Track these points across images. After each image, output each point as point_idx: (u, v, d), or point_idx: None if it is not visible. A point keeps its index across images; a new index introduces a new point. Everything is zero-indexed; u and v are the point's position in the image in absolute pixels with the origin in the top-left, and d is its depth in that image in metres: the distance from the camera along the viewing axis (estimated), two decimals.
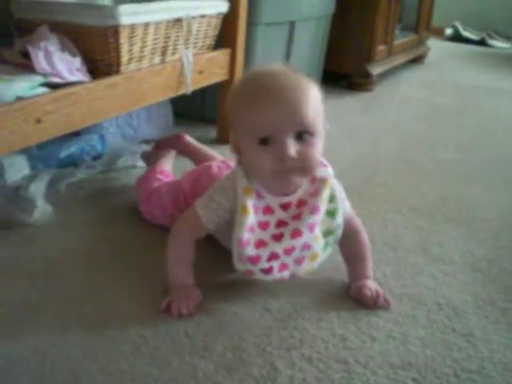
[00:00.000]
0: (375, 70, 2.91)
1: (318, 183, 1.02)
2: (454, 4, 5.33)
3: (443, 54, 4.33)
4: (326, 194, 1.02)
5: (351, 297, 1.09)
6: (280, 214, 1.00)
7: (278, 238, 0.99)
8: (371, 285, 1.09)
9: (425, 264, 1.25)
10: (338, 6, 2.66)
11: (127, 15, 1.35)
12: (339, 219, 1.04)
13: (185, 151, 1.55)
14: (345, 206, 1.07)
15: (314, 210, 1.00)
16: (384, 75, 3.15)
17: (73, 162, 1.61)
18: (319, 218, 1.01)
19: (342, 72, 2.91)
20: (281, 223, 1.00)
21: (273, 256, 0.99)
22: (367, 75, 2.87)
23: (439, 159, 1.98)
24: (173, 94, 1.62)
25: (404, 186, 1.71)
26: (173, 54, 1.61)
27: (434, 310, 1.08)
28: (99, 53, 1.41)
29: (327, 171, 1.03)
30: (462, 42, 5.19)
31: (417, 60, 3.79)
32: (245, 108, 0.94)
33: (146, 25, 1.45)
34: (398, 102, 2.79)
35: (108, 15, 1.34)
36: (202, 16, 1.67)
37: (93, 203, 1.44)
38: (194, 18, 1.61)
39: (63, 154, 1.57)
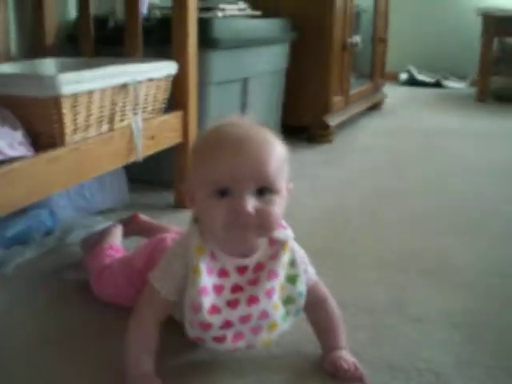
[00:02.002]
0: (333, 120, 2.89)
1: (277, 246, 0.96)
2: (407, 48, 5.36)
3: (399, 99, 4.35)
4: (285, 258, 0.96)
5: (326, 370, 1.01)
6: (236, 278, 0.94)
7: (232, 304, 0.93)
8: (347, 356, 1.01)
9: (401, 325, 1.18)
10: (292, 60, 2.64)
11: (69, 84, 1.28)
12: (301, 286, 0.98)
13: (140, 231, 1.48)
14: (308, 272, 1.01)
15: (271, 275, 0.94)
16: (342, 125, 3.12)
17: (21, 241, 1.51)
18: (278, 283, 0.95)
19: (301, 125, 2.88)
20: (236, 288, 0.94)
21: (227, 324, 0.92)
22: (325, 126, 2.84)
23: (405, 210, 1.93)
24: (123, 163, 1.55)
25: (373, 241, 1.65)
26: (121, 120, 1.54)
27: (415, 378, 1.00)
28: (42, 124, 1.33)
29: (286, 233, 0.97)
30: (418, 85, 5.23)
31: (374, 107, 3.78)
32: (204, 157, 0.90)
33: (90, 93, 1.38)
34: (358, 151, 2.76)
35: (48, 85, 1.27)
36: (150, 79, 1.61)
37: (43, 285, 1.35)
38: (140, 82, 1.56)
39: (9, 232, 1.48)
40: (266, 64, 2.35)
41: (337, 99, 2.92)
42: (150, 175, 2.08)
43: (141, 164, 1.75)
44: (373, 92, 3.69)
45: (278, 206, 0.90)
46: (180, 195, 1.89)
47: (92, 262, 1.30)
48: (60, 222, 1.63)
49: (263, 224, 0.89)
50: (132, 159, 1.57)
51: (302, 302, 0.98)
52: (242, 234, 0.88)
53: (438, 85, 5.25)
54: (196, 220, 0.95)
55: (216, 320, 0.91)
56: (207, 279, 0.91)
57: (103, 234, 1.41)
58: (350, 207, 1.96)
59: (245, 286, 0.94)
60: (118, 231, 1.44)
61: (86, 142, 1.39)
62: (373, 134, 3.14)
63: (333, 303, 1.06)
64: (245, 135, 0.89)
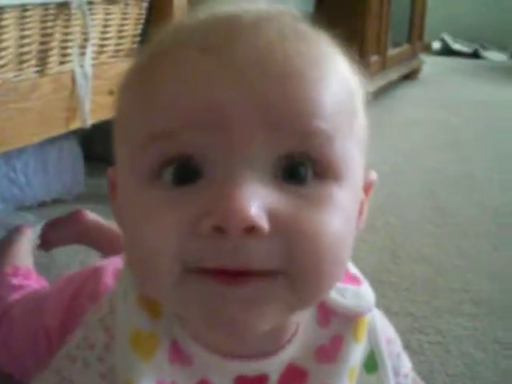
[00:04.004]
0: (369, 86, 2.35)
1: (339, 326, 0.45)
2: (440, 15, 4.97)
3: (437, 69, 3.95)
4: (356, 354, 0.45)
5: None
6: None
7: None
8: None
9: None
10: (318, 3, 2.25)
11: None
12: None
13: (84, 237, 1.01)
14: (402, 372, 0.51)
15: None
16: (376, 94, 2.69)
17: None
18: None
19: None
20: None
21: None
22: None
23: (490, 206, 1.45)
24: (58, 131, 1.06)
25: (455, 259, 1.14)
26: (60, 63, 1.03)
27: None
28: None
29: (361, 295, 0.46)
30: (453, 55, 4.85)
31: (410, 76, 3.38)
32: (147, 82, 0.38)
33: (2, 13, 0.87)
34: (404, 125, 2.34)
35: None
36: (111, 0, 1.09)
37: None
38: (93, 2, 1.05)
39: None
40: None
41: (373, 59, 2.53)
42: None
43: (102, 136, 1.32)
44: (411, 56, 3.27)
45: (341, 215, 0.37)
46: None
47: None
48: None
49: (295, 267, 0.35)
50: (75, 125, 1.08)
51: None
52: (228, 305, 0.36)
53: (475, 55, 4.84)
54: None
55: None
56: None
57: (5, 246, 0.93)
58: (407, 204, 1.47)
59: None
60: (27, 242, 0.97)
61: None
62: (417, 106, 2.73)
63: None
64: (254, 20, 0.37)
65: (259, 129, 0.34)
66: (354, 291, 0.45)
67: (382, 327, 0.48)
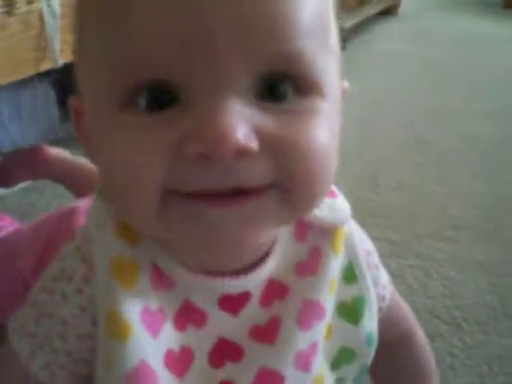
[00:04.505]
0: (346, 21, 2.39)
1: (316, 238, 0.45)
2: None
3: (417, 4, 3.91)
4: (335, 266, 0.45)
5: None
6: (221, 325, 0.43)
7: None
8: None
9: None
10: None
11: None
12: (369, 323, 0.47)
13: (47, 173, 0.95)
14: (379, 282, 0.50)
15: (309, 311, 0.44)
16: (354, 29, 2.65)
17: None
18: (323, 326, 0.44)
19: None
20: (224, 351, 0.43)
21: None
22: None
23: (469, 135, 1.43)
24: (29, 72, 1.02)
25: (434, 186, 1.14)
26: (28, 2, 0.98)
27: None
28: None
29: (337, 207, 0.45)
30: None
31: (389, 11, 3.29)
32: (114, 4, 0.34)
33: None
34: (381, 60, 2.30)
35: None
36: None
37: None
38: None
39: None
40: None
41: None
42: None
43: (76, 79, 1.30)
44: None
45: (326, 125, 0.36)
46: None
47: None
48: None
49: (288, 181, 0.35)
50: (46, 65, 1.04)
51: (370, 353, 0.48)
52: (222, 225, 0.35)
53: None
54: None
55: None
56: (147, 343, 0.40)
57: None
58: (387, 136, 1.44)
59: (244, 342, 0.43)
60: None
61: None
62: (395, 40, 2.68)
63: (423, 340, 0.57)
64: None
65: (240, 49, 0.32)
66: (329, 204, 0.44)
67: (359, 239, 0.47)
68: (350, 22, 2.44)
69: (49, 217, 0.71)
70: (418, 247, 0.89)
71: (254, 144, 0.32)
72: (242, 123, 0.32)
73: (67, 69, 1.03)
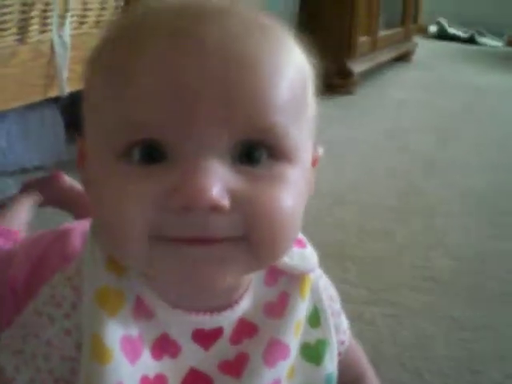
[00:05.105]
0: (357, 66, 2.45)
1: (285, 284, 0.50)
2: None
3: (430, 53, 3.96)
4: (301, 310, 0.49)
5: None
6: (193, 358, 0.46)
7: None
8: None
9: None
10: None
11: None
12: (330, 365, 0.51)
13: (61, 200, 1.01)
14: (340, 328, 0.55)
15: (274, 350, 0.48)
16: (367, 75, 2.70)
17: None
18: (287, 366, 0.48)
19: (318, 71, 2.40)
20: (197, 378, 0.46)
21: None
22: (347, 74, 2.40)
23: (464, 189, 1.46)
24: (36, 98, 1.07)
25: (419, 236, 1.17)
26: (41, 32, 1.04)
27: None
28: None
29: (306, 256, 0.50)
30: (448, 39, 4.84)
31: (403, 58, 3.36)
32: (116, 62, 0.41)
33: None
34: (390, 106, 2.34)
35: None
36: None
37: None
38: None
39: None
40: None
41: (363, 40, 2.51)
42: None
43: None
44: (403, 39, 3.27)
45: (292, 190, 0.41)
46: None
47: None
48: None
49: (254, 236, 0.40)
50: (53, 92, 1.09)
51: None
52: (198, 263, 0.40)
53: (471, 40, 4.83)
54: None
55: None
56: (125, 367, 0.44)
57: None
58: (381, 183, 1.48)
59: (214, 374, 0.47)
60: (26, 204, 0.97)
61: None
62: (405, 88, 2.73)
63: (376, 381, 0.61)
64: (219, 10, 0.41)
65: (221, 120, 0.38)
66: (299, 253, 0.49)
67: (324, 286, 0.52)
68: (363, 67, 2.50)
69: (45, 234, 0.76)
70: (394, 296, 0.92)
71: (225, 202, 0.37)
72: (218, 183, 0.37)
73: (76, 95, 1.07)
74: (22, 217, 0.96)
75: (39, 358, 0.46)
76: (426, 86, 2.78)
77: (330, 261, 0.77)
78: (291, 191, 0.41)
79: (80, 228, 0.71)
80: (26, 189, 1.03)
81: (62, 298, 0.46)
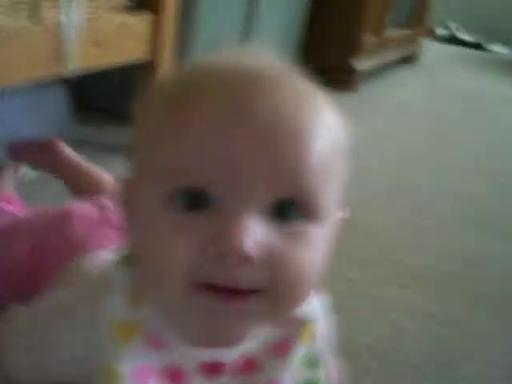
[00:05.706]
0: (361, 64, 2.44)
1: (291, 328, 0.54)
2: (446, 3, 4.85)
3: (437, 56, 3.95)
4: (300, 352, 0.55)
5: None
6: None
7: None
8: None
9: None
10: None
11: None
12: None
13: (58, 168, 0.99)
14: (330, 366, 0.60)
15: None
16: (371, 74, 2.69)
17: None
18: None
19: (320, 66, 2.38)
20: None
21: None
22: (351, 70, 2.39)
23: (457, 192, 1.51)
24: (44, 75, 1.08)
25: (407, 234, 1.21)
26: (52, 9, 1.06)
27: None
28: None
29: (313, 305, 0.55)
30: (458, 44, 4.84)
31: (409, 59, 3.35)
32: (167, 121, 0.46)
33: None
34: (390, 107, 2.36)
35: None
36: None
37: None
38: None
39: None
40: None
41: (368, 38, 2.48)
42: (109, 103, 1.64)
43: (98, 87, 1.55)
44: (410, 40, 3.24)
45: (318, 249, 0.46)
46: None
47: None
48: None
49: (277, 290, 0.45)
50: (57, 69, 1.09)
51: None
52: (229, 312, 0.45)
53: (478, 46, 4.83)
54: (130, 259, 0.50)
55: None
56: None
57: None
58: (372, 177, 1.49)
59: None
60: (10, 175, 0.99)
61: None
62: (409, 90, 2.74)
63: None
64: (268, 95, 0.45)
65: (262, 180, 0.42)
66: (308, 302, 0.53)
67: (323, 327, 0.56)
68: (366, 65, 2.49)
69: (47, 213, 0.79)
70: (373, 289, 0.96)
71: (255, 255, 0.42)
72: (253, 237, 0.42)
73: (87, 76, 1.10)
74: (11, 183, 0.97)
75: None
76: (429, 91, 2.78)
77: None
78: (317, 250, 0.45)
79: (80, 213, 0.75)
80: (14, 152, 1.02)
81: (82, 313, 0.52)
